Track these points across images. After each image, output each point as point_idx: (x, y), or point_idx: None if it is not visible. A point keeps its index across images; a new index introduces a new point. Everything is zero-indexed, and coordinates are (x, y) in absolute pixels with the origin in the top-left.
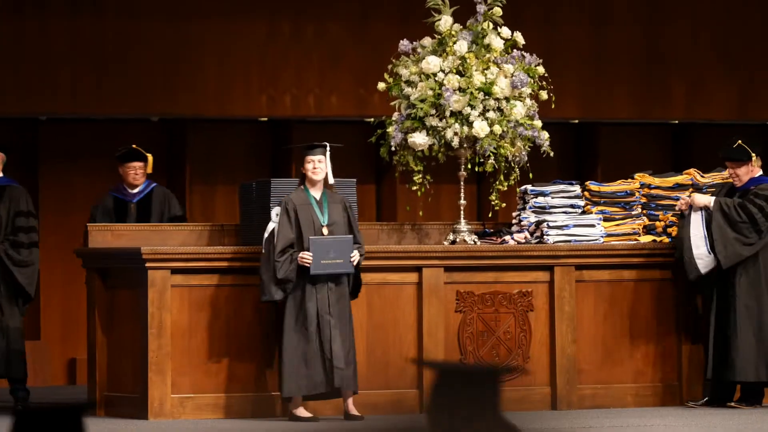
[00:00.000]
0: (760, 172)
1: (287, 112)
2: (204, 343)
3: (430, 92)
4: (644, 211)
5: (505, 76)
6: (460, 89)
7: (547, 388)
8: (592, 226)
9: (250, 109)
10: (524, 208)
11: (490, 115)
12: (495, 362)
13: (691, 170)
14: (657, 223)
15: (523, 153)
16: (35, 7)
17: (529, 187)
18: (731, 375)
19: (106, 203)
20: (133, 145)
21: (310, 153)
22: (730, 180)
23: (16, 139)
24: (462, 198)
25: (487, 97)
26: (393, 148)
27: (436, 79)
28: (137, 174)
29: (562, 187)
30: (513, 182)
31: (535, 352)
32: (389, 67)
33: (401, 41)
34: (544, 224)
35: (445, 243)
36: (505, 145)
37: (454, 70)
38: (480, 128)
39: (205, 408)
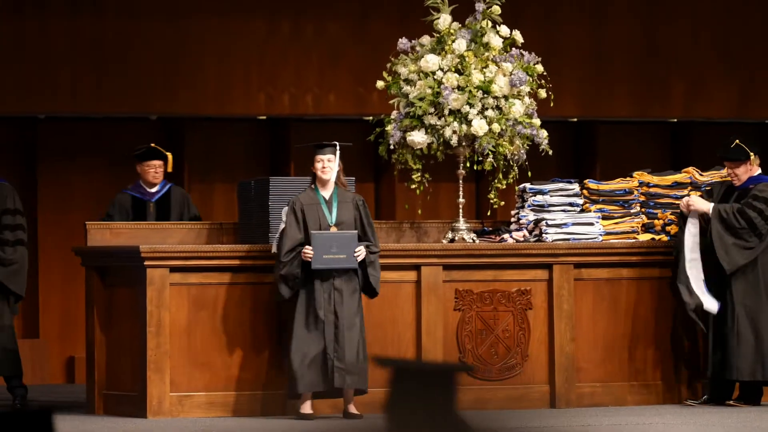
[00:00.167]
0: (759, 171)
1: (286, 110)
2: (203, 341)
3: (429, 91)
4: (643, 210)
5: (504, 75)
6: (458, 88)
7: (545, 386)
8: (591, 224)
9: (249, 107)
10: (523, 207)
11: (489, 113)
12: (450, 360)
13: (690, 169)
14: (656, 221)
15: (522, 151)
16: (35, 5)
17: (527, 185)
18: (729, 374)
19: (123, 202)
20: (152, 144)
21: (319, 152)
22: (729, 179)
23: (15, 137)
24: (461, 196)
25: (485, 95)
26: (392, 147)
27: (435, 77)
28: (157, 173)
29: (560, 185)
30: (512, 180)
31: (534, 350)
32: (388, 65)
33: (400, 40)
34: (543, 222)
35: (444, 241)
36: (504, 143)
37: (453, 69)
38: (479, 126)
39: (204, 406)
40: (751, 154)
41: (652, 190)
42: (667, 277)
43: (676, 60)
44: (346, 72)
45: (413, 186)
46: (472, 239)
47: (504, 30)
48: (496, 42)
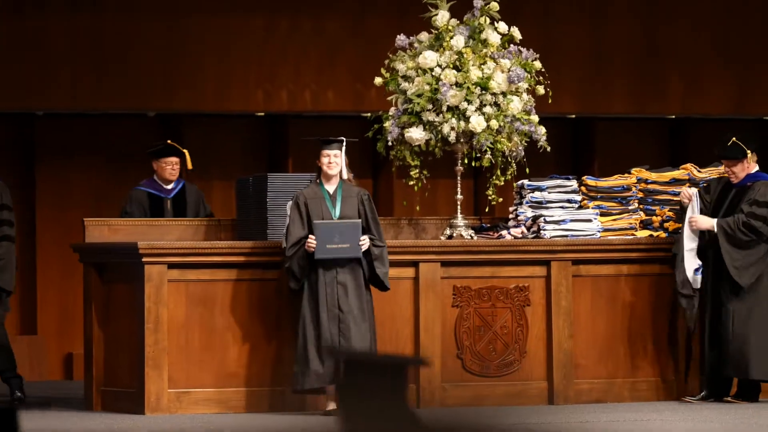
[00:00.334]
0: (756, 168)
1: (284, 107)
2: (200, 337)
3: (427, 87)
4: (641, 206)
5: (502, 71)
6: (456, 84)
7: (543, 382)
8: (589, 221)
9: (247, 104)
10: (521, 203)
11: (487, 110)
12: (403, 354)
13: (688, 165)
14: (654, 217)
15: (520, 148)
16: (34, 3)
17: (525, 182)
18: (726, 372)
19: (140, 199)
20: (168, 141)
21: (326, 147)
22: (726, 175)
23: (14, 134)
24: (459, 193)
25: (483, 92)
26: (390, 143)
27: (433, 74)
28: (174, 169)
29: (558, 182)
30: (510, 177)
31: (532, 346)
32: (386, 62)
33: (398, 36)
34: (541, 219)
35: (442, 238)
36: (502, 140)
37: (451, 65)
38: (477, 123)
39: (202, 402)
40: (749, 151)
41: (650, 186)
42: (665, 274)
43: (674, 57)
44: (345, 69)
45: (411, 182)
46: (470, 236)
47: (502, 26)
48: (494, 39)
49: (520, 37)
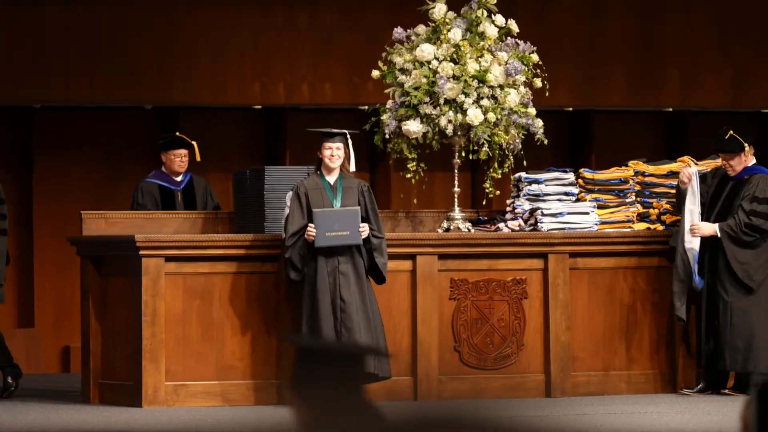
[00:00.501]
0: (754, 161)
1: (281, 100)
2: (198, 330)
3: (424, 80)
4: (638, 199)
5: (499, 64)
6: (454, 77)
7: (541, 375)
8: (586, 213)
9: (244, 97)
10: (518, 196)
11: (484, 102)
12: (359, 344)
13: (685, 158)
14: (651, 210)
15: (517, 141)
16: None
17: (523, 174)
18: (722, 365)
19: (151, 191)
20: (177, 133)
21: (329, 140)
22: (723, 167)
23: (11, 127)
24: (456, 186)
25: (481, 84)
26: (387, 136)
27: (430, 66)
28: (183, 161)
29: (556, 174)
30: (507, 170)
31: (530, 339)
32: (383, 54)
33: (395, 29)
34: (538, 212)
35: (439, 231)
36: (499, 132)
37: (448, 58)
38: (474, 116)
39: (199, 395)
40: (746, 144)
41: (647, 179)
42: (662, 266)
43: (671, 49)
44: (341, 61)
45: (408, 175)
46: (468, 228)
47: (499, 19)
48: (492, 31)
49: (518, 30)
